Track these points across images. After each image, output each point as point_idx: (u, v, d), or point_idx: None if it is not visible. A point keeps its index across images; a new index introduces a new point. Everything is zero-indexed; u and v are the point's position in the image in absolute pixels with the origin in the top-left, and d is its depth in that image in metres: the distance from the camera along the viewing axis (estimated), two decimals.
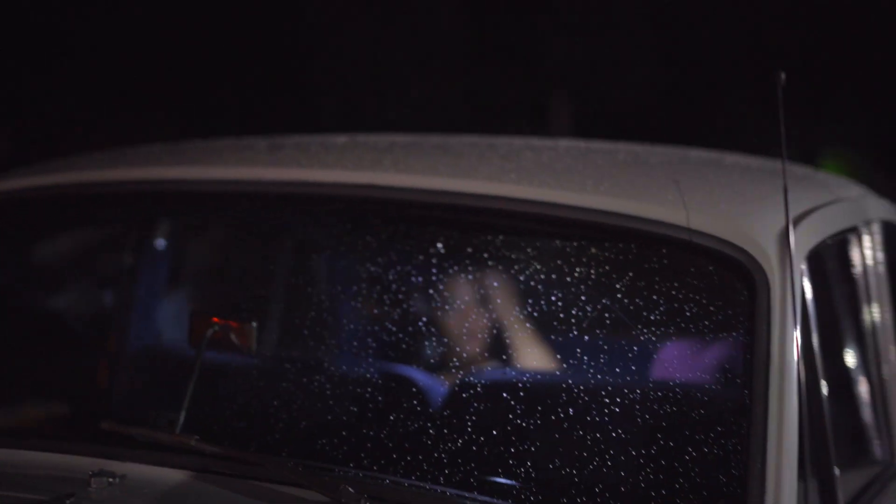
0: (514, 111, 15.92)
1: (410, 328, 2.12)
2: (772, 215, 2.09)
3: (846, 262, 2.39)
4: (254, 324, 2.14)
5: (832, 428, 2.10)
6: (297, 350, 2.23)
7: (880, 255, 2.61)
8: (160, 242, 2.50)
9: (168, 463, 1.99)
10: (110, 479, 1.95)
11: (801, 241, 2.04)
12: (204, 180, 2.26)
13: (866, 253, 2.49)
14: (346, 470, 1.95)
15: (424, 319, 2.13)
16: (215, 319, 2.14)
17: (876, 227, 2.60)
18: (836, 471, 2.06)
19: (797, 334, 1.92)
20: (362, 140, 2.47)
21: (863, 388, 2.45)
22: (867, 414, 2.47)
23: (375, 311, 2.18)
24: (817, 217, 2.17)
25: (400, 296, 2.14)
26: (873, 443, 2.51)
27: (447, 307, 2.11)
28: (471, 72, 15.96)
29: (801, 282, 2.00)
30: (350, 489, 1.85)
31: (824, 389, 2.08)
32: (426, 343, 2.13)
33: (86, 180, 2.42)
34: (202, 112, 14.01)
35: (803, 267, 2.02)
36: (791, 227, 1.95)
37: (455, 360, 2.11)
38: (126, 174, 2.33)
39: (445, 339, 2.13)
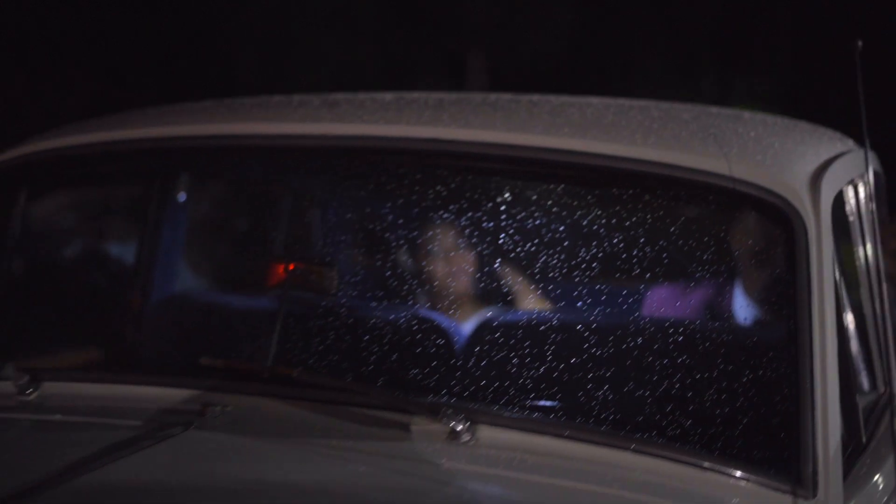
0: (430, 68, 16.08)
1: (486, 269, 2.35)
2: (801, 165, 2.37)
3: (852, 206, 2.68)
4: (334, 268, 2.35)
5: (852, 354, 2.39)
6: (372, 293, 2.44)
7: (873, 201, 2.91)
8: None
9: (271, 394, 2.20)
10: (222, 409, 2.16)
11: (827, 188, 2.32)
12: (276, 135, 2.45)
13: (862, 198, 2.79)
14: (440, 397, 2.18)
15: (498, 262, 2.36)
16: (292, 266, 2.35)
17: (869, 176, 2.90)
18: (857, 395, 2.35)
19: (830, 270, 2.20)
20: (410, 97, 2.68)
21: (865, 320, 2.75)
22: (866, 344, 2.77)
23: (447, 255, 2.41)
24: (837, 166, 2.44)
25: (472, 241, 2.37)
26: (869, 371, 2.81)
27: (518, 251, 2.34)
28: (385, 28, 16.04)
29: (830, 224, 2.27)
30: (451, 411, 2.09)
31: (846, 319, 2.37)
32: (500, 284, 2.36)
33: (147, 136, 2.59)
34: (115, 74, 13.94)
35: (829, 211, 2.30)
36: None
37: (531, 299, 2.35)
38: (199, 130, 2.51)
39: (517, 280, 2.37)
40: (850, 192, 2.71)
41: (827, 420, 2.07)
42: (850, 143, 2.92)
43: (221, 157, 2.54)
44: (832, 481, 2.04)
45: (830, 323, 2.15)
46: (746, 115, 2.73)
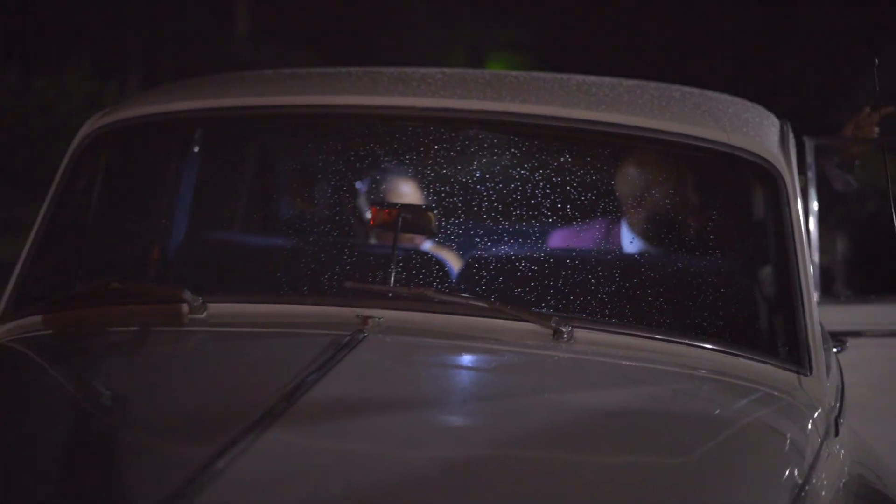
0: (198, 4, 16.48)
1: (551, 216, 3.18)
2: (770, 135, 3.32)
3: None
4: (434, 210, 3.13)
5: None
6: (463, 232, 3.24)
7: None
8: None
9: (412, 308, 2.97)
10: (377, 320, 2.91)
11: (791, 152, 3.28)
12: (372, 105, 3.20)
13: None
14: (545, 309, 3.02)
15: (568, 208, 3.19)
16: (395, 211, 3.10)
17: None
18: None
19: (801, 213, 3.17)
20: (462, 73, 3.46)
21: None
22: None
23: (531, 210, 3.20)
24: (789, 136, 3.41)
25: (522, 198, 3.19)
26: None
27: (580, 201, 3.19)
28: None
29: (797, 178, 3.24)
30: (556, 318, 2.93)
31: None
32: (576, 227, 3.22)
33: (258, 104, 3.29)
34: None
35: (795, 169, 3.27)
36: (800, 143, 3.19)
37: (616, 239, 3.21)
38: (310, 100, 3.24)
39: (594, 222, 3.23)
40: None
41: (814, 320, 3.04)
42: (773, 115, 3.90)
43: (333, 124, 3.27)
44: (820, 362, 3.01)
45: (806, 251, 3.12)
46: (709, 93, 3.65)
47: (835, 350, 3.59)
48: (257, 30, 17.07)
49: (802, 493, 2.48)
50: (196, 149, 3.51)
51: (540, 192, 3.19)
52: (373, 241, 3.39)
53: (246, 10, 17.21)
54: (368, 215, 3.27)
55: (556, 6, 18.92)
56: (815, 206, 4.24)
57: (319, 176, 3.36)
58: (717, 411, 2.77)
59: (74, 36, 14.27)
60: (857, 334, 4.05)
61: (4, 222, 11.26)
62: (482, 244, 3.21)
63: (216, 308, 3.02)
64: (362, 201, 3.37)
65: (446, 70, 3.52)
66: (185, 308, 3.00)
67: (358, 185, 3.39)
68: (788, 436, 2.74)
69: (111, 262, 3.46)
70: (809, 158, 4.20)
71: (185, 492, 2.04)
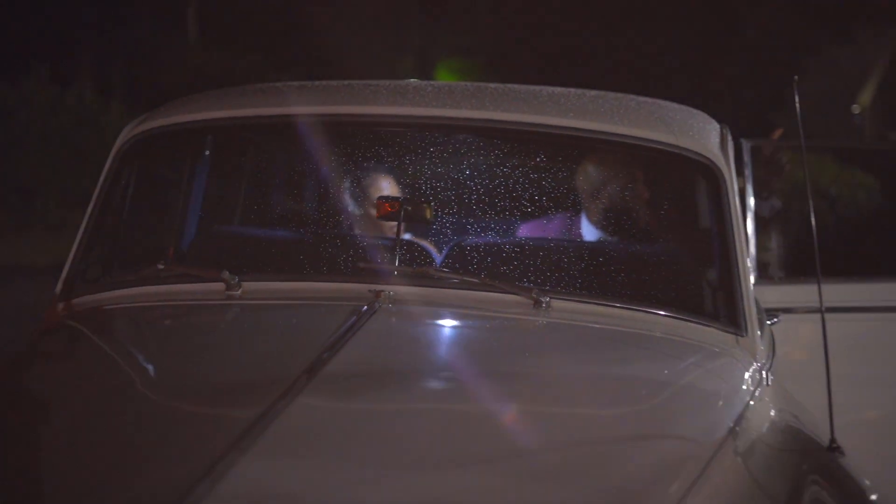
0: (148, 6, 17.04)
1: (527, 208, 3.87)
2: (712, 138, 4.03)
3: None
4: (431, 203, 3.80)
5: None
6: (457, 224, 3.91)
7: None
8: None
9: (415, 284, 3.63)
10: (388, 293, 3.57)
11: (730, 152, 3.99)
12: (379, 115, 3.87)
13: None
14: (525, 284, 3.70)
15: (543, 202, 3.88)
16: (392, 206, 3.76)
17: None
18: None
19: (738, 204, 3.89)
20: (451, 86, 4.14)
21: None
22: None
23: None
24: (728, 138, 4.12)
25: (532, 199, 3.87)
26: None
27: (557, 196, 3.88)
28: None
29: (734, 175, 3.96)
30: (536, 291, 3.61)
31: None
32: (552, 218, 3.91)
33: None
34: None
35: (734, 166, 3.98)
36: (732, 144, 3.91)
37: (583, 230, 3.91)
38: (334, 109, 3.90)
39: (566, 215, 3.92)
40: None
41: (749, 290, 3.75)
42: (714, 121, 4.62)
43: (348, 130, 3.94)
44: (753, 326, 3.72)
45: (743, 233, 3.83)
46: (661, 102, 4.36)
47: (770, 322, 4.31)
48: (208, 36, 17.63)
49: (737, 429, 3.17)
50: (222, 152, 4.17)
51: (519, 187, 3.87)
52: (357, 231, 4.05)
53: (196, 18, 17.77)
54: (356, 210, 3.96)
55: (503, 13, 19.58)
56: (751, 201, 4.99)
57: (332, 175, 4.01)
58: (670, 364, 3.47)
59: (32, 42, 14.81)
60: (788, 310, 4.80)
61: None
62: (471, 231, 3.90)
63: (249, 286, 3.67)
64: (364, 195, 4.04)
65: (434, 83, 4.20)
66: (222, 286, 3.64)
67: (358, 181, 4.06)
68: (728, 383, 3.45)
69: (149, 249, 4.10)
70: (746, 157, 4.94)
71: (235, 450, 2.44)
